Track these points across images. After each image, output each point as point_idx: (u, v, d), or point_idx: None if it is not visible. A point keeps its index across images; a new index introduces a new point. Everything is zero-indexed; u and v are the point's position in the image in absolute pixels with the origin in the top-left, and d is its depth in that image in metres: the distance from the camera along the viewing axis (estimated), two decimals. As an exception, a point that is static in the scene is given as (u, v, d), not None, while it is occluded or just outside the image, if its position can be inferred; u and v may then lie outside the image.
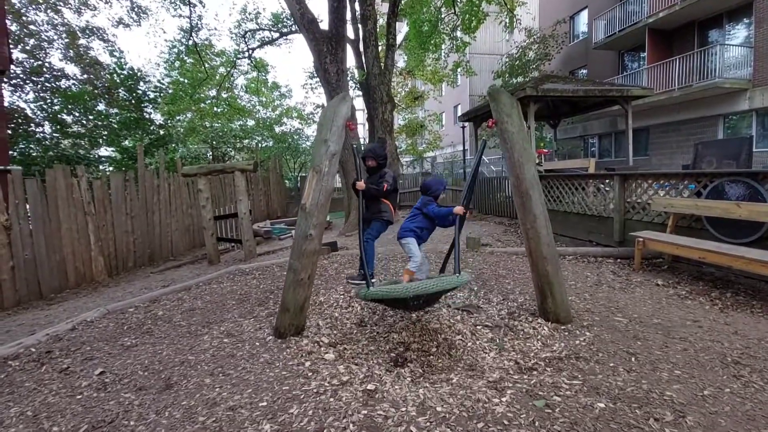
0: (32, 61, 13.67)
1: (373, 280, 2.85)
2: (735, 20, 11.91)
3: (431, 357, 2.65)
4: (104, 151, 16.05)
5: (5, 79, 9.63)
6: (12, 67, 9.26)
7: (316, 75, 12.01)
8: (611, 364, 2.40)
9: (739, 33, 11.87)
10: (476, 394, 2.11)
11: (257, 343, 2.87)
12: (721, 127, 12.20)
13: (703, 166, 5.53)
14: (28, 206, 5.93)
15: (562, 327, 2.98)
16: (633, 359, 2.46)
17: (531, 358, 2.54)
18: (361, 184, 3.35)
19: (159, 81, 17.70)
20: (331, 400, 2.10)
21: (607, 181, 5.92)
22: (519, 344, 2.75)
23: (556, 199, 6.79)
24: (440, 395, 2.12)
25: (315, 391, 2.19)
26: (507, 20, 13.00)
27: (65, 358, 2.87)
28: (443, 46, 14.68)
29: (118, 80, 15.13)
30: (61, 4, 14.20)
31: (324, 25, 8.84)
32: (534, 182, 3.03)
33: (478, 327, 3.06)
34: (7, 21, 8.27)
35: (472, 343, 2.81)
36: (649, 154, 14.46)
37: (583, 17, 17.49)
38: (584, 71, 17.76)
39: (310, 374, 2.39)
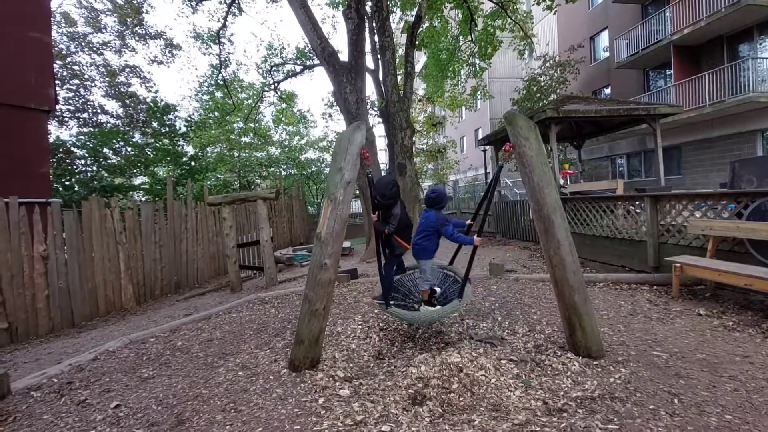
0: (76, 99, 14.77)
1: (392, 302, 3.31)
2: (766, 33, 11.50)
3: (452, 395, 2.49)
4: (139, 180, 16.94)
5: (51, 118, 10.38)
6: (57, 106, 10.00)
7: (335, 104, 12.35)
8: (651, 407, 2.18)
9: (771, 46, 11.44)
10: (500, 439, 1.95)
11: (271, 377, 2.80)
12: (760, 143, 11.58)
13: (743, 184, 5.19)
14: (64, 236, 6.22)
15: (594, 362, 2.76)
16: (676, 401, 2.23)
17: (560, 398, 2.34)
18: (374, 218, 3.34)
19: (189, 116, 18.77)
20: (344, 442, 1.98)
21: (637, 202, 5.64)
22: (547, 381, 2.55)
23: (583, 223, 6.52)
24: (460, 439, 1.97)
25: None
26: (522, 47, 13.07)
27: (84, 389, 2.89)
28: (462, 72, 14.84)
29: (153, 113, 16.17)
30: (104, 47, 15.44)
31: (344, 57, 9.13)
32: (556, 206, 2.89)
33: (502, 361, 2.88)
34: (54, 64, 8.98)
35: (496, 379, 2.63)
36: (682, 173, 13.84)
37: (604, 37, 17.36)
38: (607, 91, 17.46)
39: (323, 412, 2.29)
